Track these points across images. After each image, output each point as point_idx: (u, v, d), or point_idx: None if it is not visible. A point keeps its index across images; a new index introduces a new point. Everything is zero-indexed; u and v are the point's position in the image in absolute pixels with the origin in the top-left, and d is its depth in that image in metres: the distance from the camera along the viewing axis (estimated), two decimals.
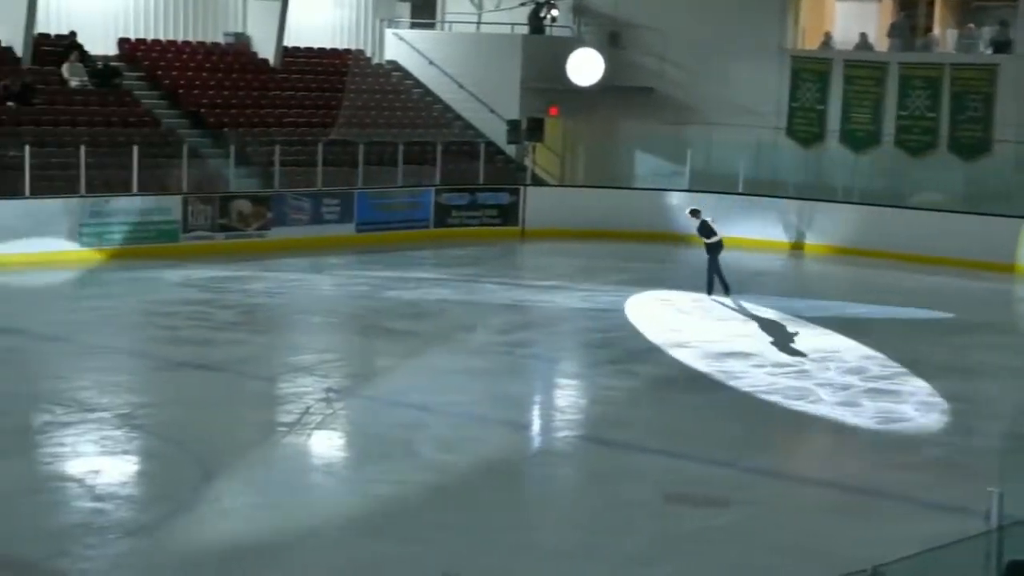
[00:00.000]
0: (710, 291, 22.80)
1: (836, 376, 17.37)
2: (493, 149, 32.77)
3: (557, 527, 11.17)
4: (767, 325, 20.54)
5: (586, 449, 13.80)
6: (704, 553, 10.50)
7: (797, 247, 29.94)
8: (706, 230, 23.10)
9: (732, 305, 22.19)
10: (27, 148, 24.48)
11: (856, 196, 30.19)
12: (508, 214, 30.77)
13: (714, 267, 22.88)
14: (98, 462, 12.10)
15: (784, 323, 20.86)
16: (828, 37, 33.13)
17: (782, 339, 19.44)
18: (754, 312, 21.57)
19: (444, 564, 9.93)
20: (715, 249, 22.92)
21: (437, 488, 11.82)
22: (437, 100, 34.72)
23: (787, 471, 13.33)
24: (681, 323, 20.60)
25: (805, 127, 32.03)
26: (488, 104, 33.50)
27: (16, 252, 23.31)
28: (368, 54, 36.00)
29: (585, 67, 32.71)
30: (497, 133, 32.69)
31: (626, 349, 18.54)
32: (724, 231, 23.68)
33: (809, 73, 31.96)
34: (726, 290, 22.78)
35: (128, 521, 10.56)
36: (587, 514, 11.47)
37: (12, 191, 24.53)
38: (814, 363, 17.96)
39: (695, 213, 23.49)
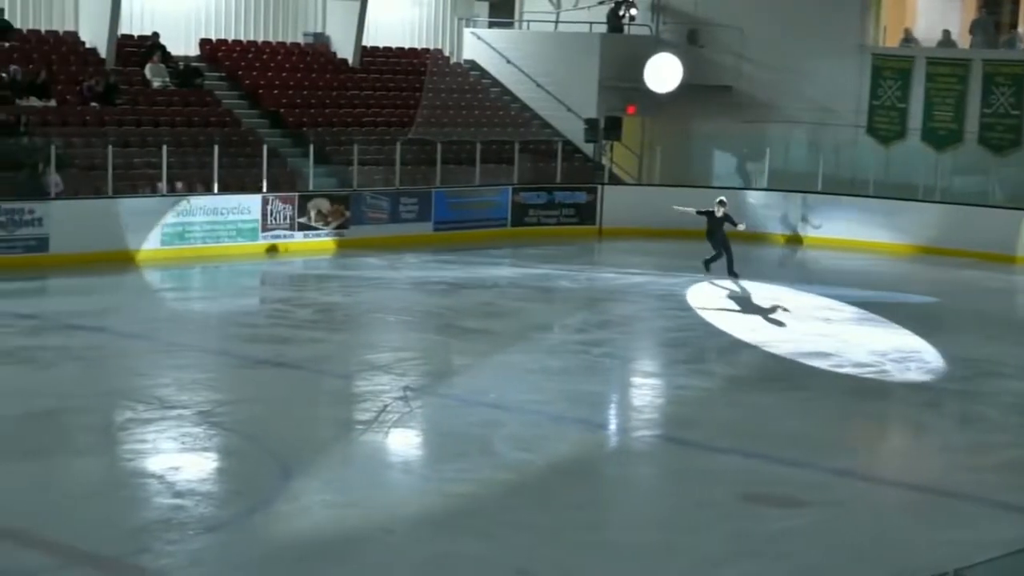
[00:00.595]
0: (736, 274, 23.87)
1: (916, 376, 17.19)
2: (571, 148, 32.77)
3: (633, 526, 11.15)
4: (847, 324, 20.36)
5: (662, 448, 13.76)
6: (781, 554, 10.43)
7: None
8: (730, 219, 24.30)
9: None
10: (110, 148, 24.81)
11: (938, 195, 29.87)
12: (585, 213, 30.76)
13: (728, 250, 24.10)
14: (178, 459, 12.23)
15: (864, 322, 20.68)
16: (908, 34, 32.78)
17: (862, 339, 19.25)
18: (834, 310, 21.39)
19: (520, 562, 9.95)
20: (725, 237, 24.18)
21: (513, 486, 11.83)
22: (515, 99, 34.78)
23: (865, 472, 13.20)
24: (758, 322, 20.47)
25: (886, 125, 31.72)
26: (566, 103, 33.50)
27: (99, 250, 23.62)
28: (446, 53, 36.12)
29: (663, 72, 32.45)
30: (575, 132, 32.69)
31: (703, 348, 18.46)
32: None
33: (890, 71, 31.64)
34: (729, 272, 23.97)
35: (208, 517, 10.65)
36: (663, 513, 11.44)
37: (95, 190, 24.89)
38: (894, 363, 17.77)
39: (723, 203, 24.33)
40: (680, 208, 25.07)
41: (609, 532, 10.90)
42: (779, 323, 20.46)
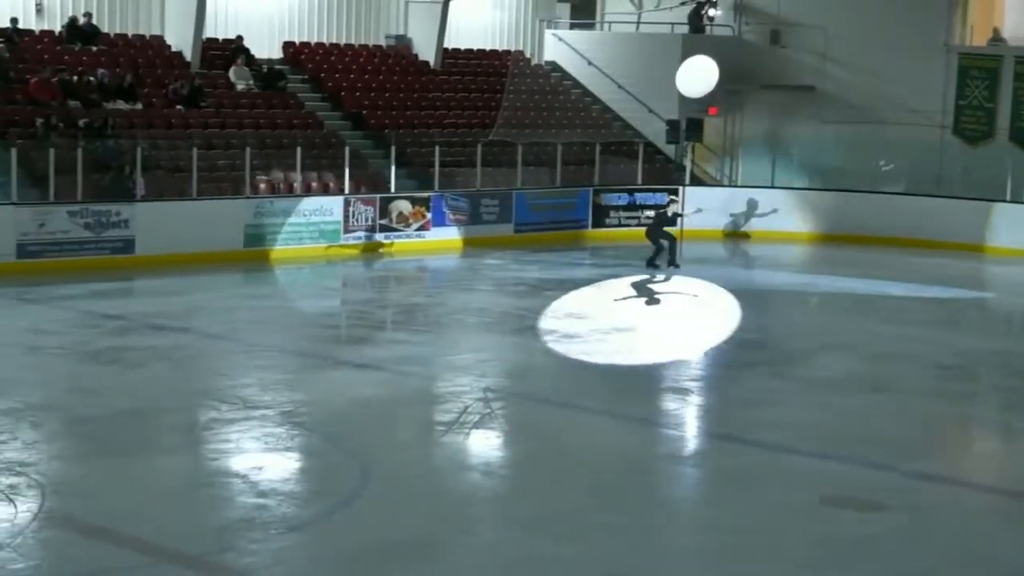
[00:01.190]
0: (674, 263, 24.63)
1: (1003, 379, 16.95)
2: (652, 149, 32.68)
3: (713, 528, 11.08)
4: (935, 328, 20.12)
5: (741, 451, 13.66)
6: (865, 558, 10.32)
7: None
8: (678, 214, 25.33)
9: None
10: (195, 150, 25.07)
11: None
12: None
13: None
14: (261, 458, 12.33)
15: (951, 325, 20.43)
16: (997, 33, 32.34)
17: (949, 341, 19.03)
18: (907, 310, 21.15)
19: (601, 563, 9.92)
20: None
21: (593, 487, 11.82)
22: (596, 100, 34.74)
23: (951, 475, 13.03)
24: (838, 324, 20.28)
25: (973, 125, 31.31)
26: (647, 104, 33.41)
27: (182, 252, 23.89)
28: (527, 55, 36.17)
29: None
30: (656, 133, 32.58)
31: (782, 351, 18.33)
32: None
33: (978, 70, 31.23)
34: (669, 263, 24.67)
35: (290, 517, 10.73)
36: (743, 516, 11.35)
37: (180, 192, 25.17)
38: (981, 365, 17.53)
39: (674, 201, 25.48)
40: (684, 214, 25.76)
41: (690, 534, 10.86)
42: (861, 326, 20.27)
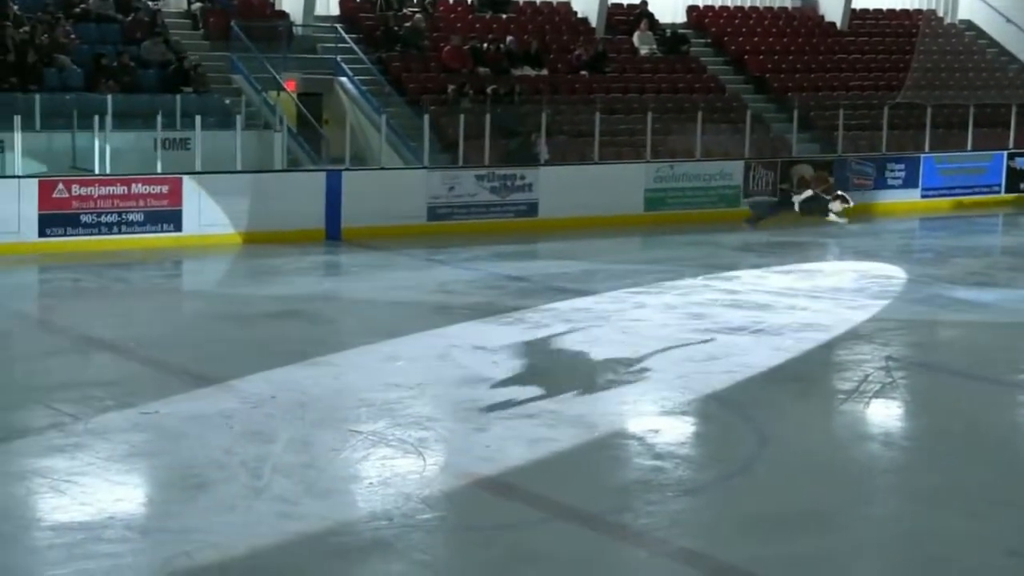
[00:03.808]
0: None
1: None
2: None
3: None
4: None
5: None
6: None
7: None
8: None
9: None
10: (597, 115, 25.41)
11: None
12: None
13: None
14: (657, 421, 12.39)
15: None
16: None
17: None
18: None
19: (1010, 542, 9.50)
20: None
21: (1000, 463, 11.33)
22: (1014, 60, 33.26)
23: None
24: None
25: None
26: None
27: (583, 215, 24.28)
28: (940, 14, 34.92)
29: None
30: None
31: None
32: None
33: None
34: None
35: (686, 480, 10.75)
36: None
37: (582, 157, 25.58)
38: None
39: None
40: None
41: None
42: None
